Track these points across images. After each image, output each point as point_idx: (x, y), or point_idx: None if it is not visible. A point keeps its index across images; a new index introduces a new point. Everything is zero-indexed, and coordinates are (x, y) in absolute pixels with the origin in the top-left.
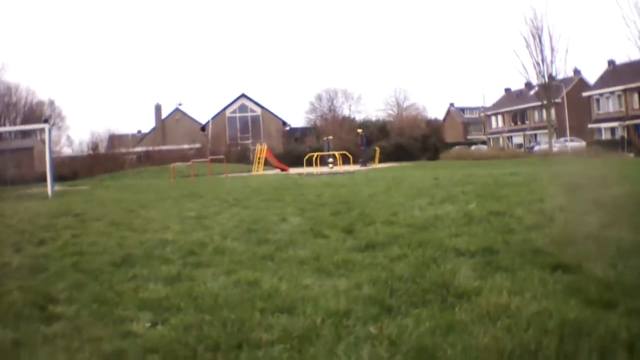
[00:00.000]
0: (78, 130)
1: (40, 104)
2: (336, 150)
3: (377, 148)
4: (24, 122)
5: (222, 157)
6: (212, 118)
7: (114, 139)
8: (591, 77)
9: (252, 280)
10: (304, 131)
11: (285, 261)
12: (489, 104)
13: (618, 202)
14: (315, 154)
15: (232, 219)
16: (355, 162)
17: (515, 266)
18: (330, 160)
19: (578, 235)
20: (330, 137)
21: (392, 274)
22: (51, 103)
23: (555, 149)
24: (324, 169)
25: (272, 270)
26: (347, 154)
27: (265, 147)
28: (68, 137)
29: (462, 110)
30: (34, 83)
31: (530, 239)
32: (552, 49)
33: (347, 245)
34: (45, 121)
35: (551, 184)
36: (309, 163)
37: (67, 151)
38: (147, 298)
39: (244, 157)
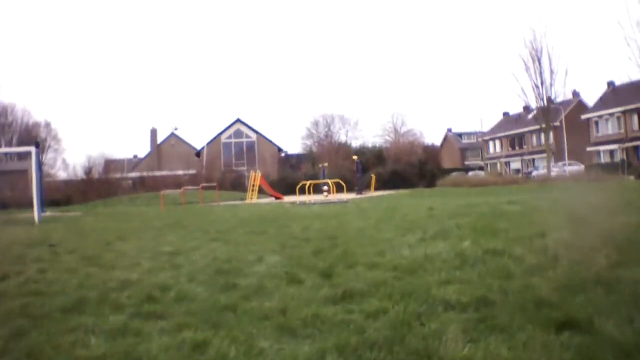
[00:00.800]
0: (74, 153)
1: (36, 125)
2: (332, 177)
3: (372, 175)
4: (19, 143)
5: (214, 184)
6: (208, 143)
7: (109, 164)
8: (590, 99)
9: (199, 342)
10: (299, 157)
11: (246, 314)
12: (487, 128)
13: (627, 234)
14: (308, 182)
15: (207, 256)
16: (350, 189)
17: (514, 325)
18: (325, 188)
19: (586, 279)
20: (326, 164)
21: (365, 339)
22: (47, 125)
23: (553, 174)
24: (318, 197)
25: (227, 327)
26: (341, 182)
27: (260, 175)
28: (64, 161)
29: (460, 135)
30: (30, 104)
31: (532, 285)
32: (552, 71)
33: (322, 294)
34: (36, 144)
35: (552, 214)
36: (302, 191)
37: (62, 175)
38: (83, 357)
39: (238, 184)
